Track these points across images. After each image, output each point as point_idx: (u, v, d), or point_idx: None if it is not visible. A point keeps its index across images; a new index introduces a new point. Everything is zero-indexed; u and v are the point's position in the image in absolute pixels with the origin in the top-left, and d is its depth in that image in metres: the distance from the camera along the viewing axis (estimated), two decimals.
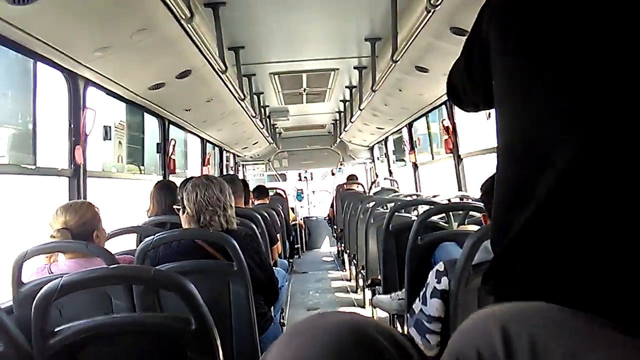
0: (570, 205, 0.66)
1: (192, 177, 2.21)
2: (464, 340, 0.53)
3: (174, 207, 2.23)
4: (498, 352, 0.49)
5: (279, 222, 4.60)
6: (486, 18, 0.84)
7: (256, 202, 5.40)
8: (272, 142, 7.60)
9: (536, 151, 0.70)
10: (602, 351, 0.48)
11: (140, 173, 4.00)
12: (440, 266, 1.70)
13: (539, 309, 0.54)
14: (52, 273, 1.91)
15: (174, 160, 4.40)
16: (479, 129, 4.04)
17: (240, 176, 9.03)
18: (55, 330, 1.26)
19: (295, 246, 8.39)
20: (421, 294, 1.75)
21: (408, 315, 1.85)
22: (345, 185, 7.67)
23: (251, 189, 5.28)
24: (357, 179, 7.86)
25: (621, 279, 0.61)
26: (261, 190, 5.89)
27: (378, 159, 8.88)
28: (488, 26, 0.82)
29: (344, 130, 6.90)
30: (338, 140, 8.22)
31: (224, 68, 3.08)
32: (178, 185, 2.28)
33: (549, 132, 0.69)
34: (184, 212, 2.13)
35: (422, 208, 4.02)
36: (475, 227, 2.35)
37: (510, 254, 0.73)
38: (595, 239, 0.63)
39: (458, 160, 4.37)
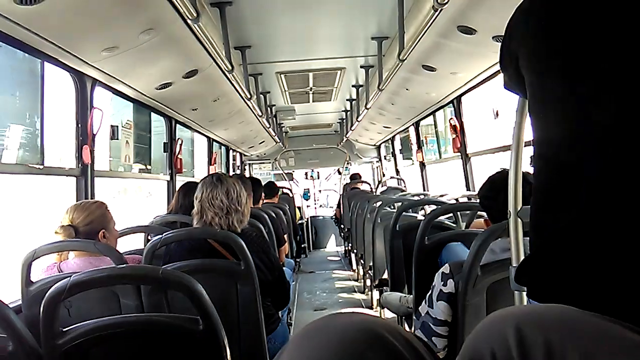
0: (600, 213, 0.68)
1: (213, 175, 2.20)
2: (478, 341, 0.53)
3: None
4: (513, 353, 0.49)
5: (285, 221, 4.58)
6: (514, 35, 0.85)
7: (265, 201, 5.31)
8: (278, 141, 7.60)
9: (568, 160, 0.73)
10: (620, 354, 0.47)
11: (147, 172, 4.02)
12: (445, 268, 1.69)
13: (556, 311, 0.53)
14: (61, 271, 1.93)
15: (180, 159, 4.41)
16: (488, 128, 4.02)
17: (247, 175, 9.04)
18: (64, 329, 1.27)
19: (302, 245, 8.37)
20: (427, 296, 1.74)
21: (415, 317, 1.84)
22: (350, 184, 7.65)
23: None
24: (360, 177, 7.83)
25: None
26: (271, 189, 5.53)
27: (385, 157, 8.85)
28: (517, 45, 0.83)
29: (351, 129, 6.88)
30: (345, 139, 8.19)
31: (230, 68, 3.09)
32: None
33: (581, 143, 0.71)
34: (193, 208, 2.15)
35: (430, 207, 4.00)
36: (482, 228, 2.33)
37: (543, 254, 0.77)
38: (623, 246, 0.65)
39: (466, 159, 4.34)
